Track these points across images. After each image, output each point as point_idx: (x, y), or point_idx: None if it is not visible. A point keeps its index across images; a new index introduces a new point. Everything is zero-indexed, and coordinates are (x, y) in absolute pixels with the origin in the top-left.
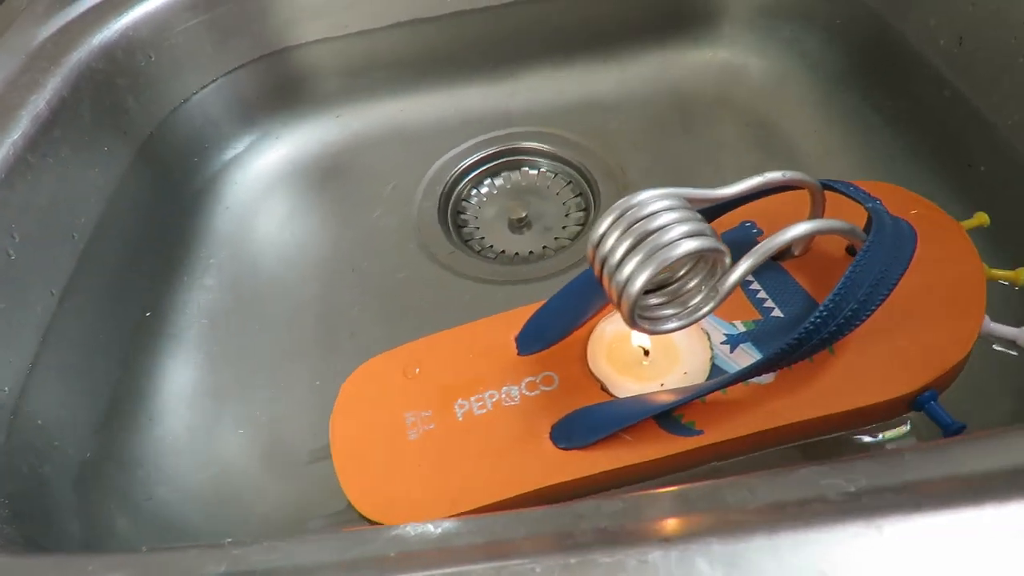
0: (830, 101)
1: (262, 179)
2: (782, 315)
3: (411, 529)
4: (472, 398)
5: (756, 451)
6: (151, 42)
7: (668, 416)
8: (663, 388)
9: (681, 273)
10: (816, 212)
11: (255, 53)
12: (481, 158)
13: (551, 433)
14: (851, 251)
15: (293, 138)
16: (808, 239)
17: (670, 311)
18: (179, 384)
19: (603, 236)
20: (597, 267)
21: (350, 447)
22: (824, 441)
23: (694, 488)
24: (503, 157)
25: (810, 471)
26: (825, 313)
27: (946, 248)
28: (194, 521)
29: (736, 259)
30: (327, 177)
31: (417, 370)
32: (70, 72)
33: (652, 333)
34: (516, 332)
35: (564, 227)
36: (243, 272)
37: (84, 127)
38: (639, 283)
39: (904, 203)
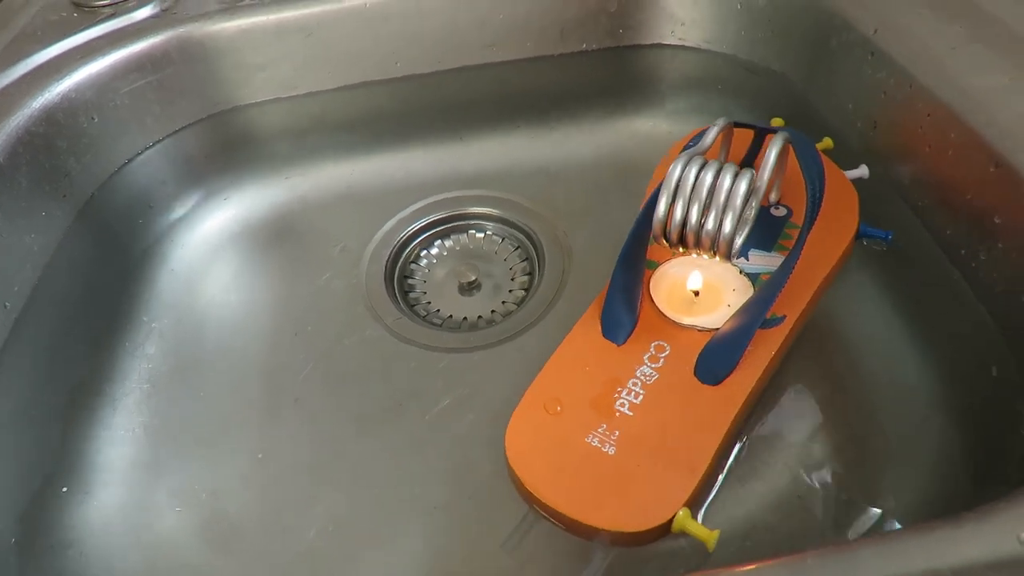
0: None
1: (209, 241)
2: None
3: None
4: (623, 394)
5: (811, 312)
6: (95, 104)
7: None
8: (731, 308)
9: None
10: (728, 143)
11: (203, 113)
12: (429, 222)
13: (700, 380)
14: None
15: (241, 199)
16: None
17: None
18: (116, 456)
19: (670, 209)
20: (675, 234)
21: (569, 496)
22: None
23: None
24: (451, 221)
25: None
26: (811, 193)
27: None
28: None
29: None
30: (275, 239)
31: (559, 408)
32: (8, 138)
33: (738, 256)
34: (599, 330)
35: (510, 291)
36: (186, 337)
37: (20, 193)
38: (729, 227)
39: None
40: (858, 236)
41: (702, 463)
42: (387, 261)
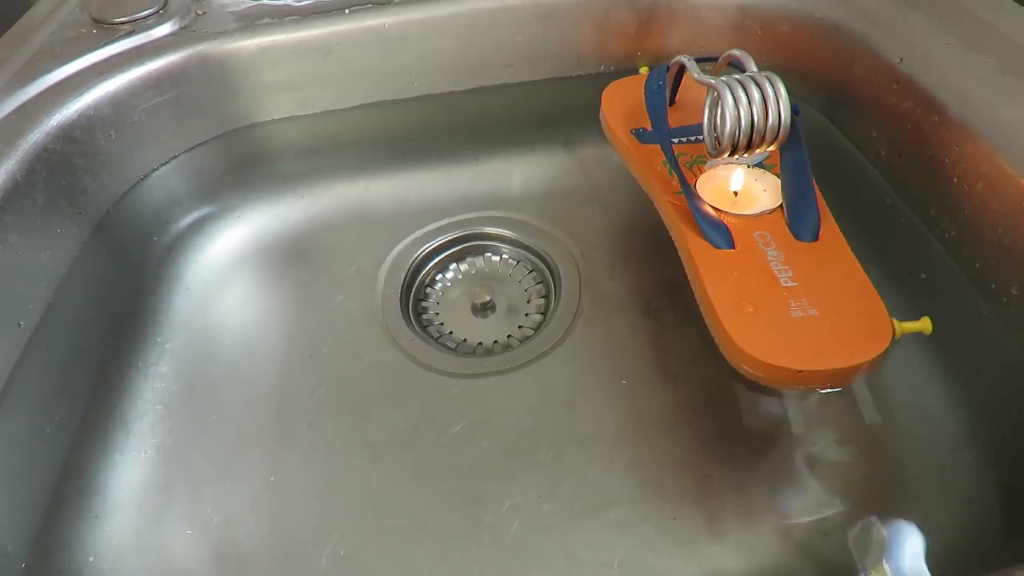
0: None
1: (223, 259)
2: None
3: None
4: (779, 276)
5: None
6: (112, 121)
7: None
8: (768, 191)
9: None
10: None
11: (219, 130)
12: (444, 243)
13: (805, 240)
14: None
15: (256, 217)
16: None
17: None
18: (128, 479)
19: (738, 117)
20: (744, 140)
21: (831, 354)
22: None
23: None
24: (466, 242)
25: None
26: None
27: None
28: None
29: None
30: (289, 258)
31: (752, 308)
32: (25, 155)
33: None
34: (711, 247)
35: (527, 314)
36: (200, 358)
37: (36, 210)
38: (786, 115)
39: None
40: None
41: (870, 287)
42: (402, 283)
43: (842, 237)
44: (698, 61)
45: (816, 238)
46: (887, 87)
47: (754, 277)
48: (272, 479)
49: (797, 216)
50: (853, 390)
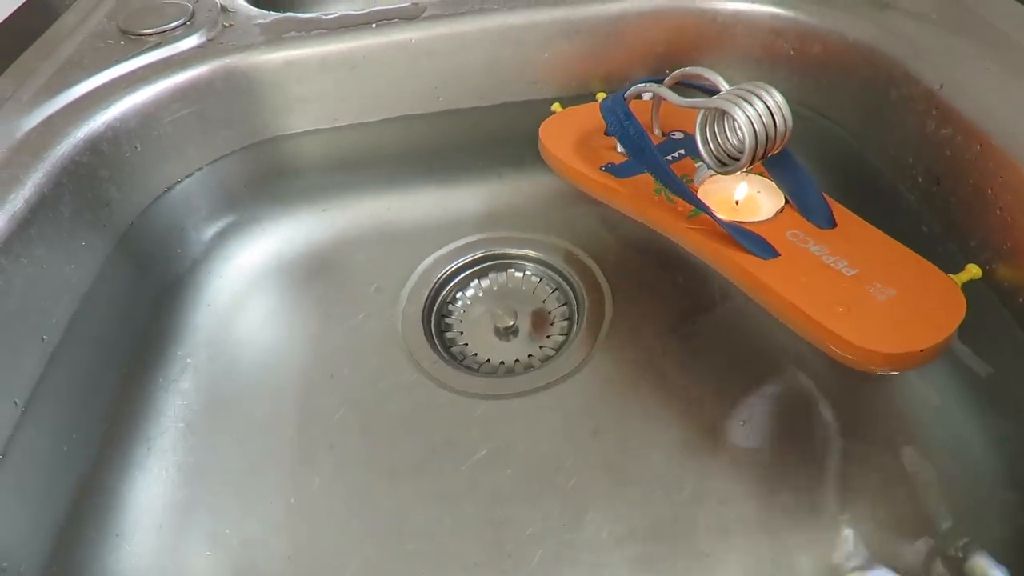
0: None
1: (245, 274)
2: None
3: None
4: (838, 268)
5: None
6: (139, 133)
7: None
8: (762, 193)
9: None
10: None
11: (244, 142)
12: (467, 261)
13: (826, 227)
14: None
15: (278, 231)
16: None
17: None
18: (149, 498)
19: (754, 132)
20: (761, 150)
21: (927, 330)
22: None
23: None
24: (488, 261)
25: None
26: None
27: None
28: None
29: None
30: (311, 274)
31: (841, 309)
32: (52, 167)
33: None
34: (749, 254)
35: (548, 335)
36: (221, 374)
37: (62, 223)
38: (790, 119)
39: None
40: None
41: (913, 253)
42: (424, 301)
43: (854, 215)
44: (644, 83)
45: (835, 223)
46: (925, 113)
47: (819, 276)
48: (293, 501)
49: (809, 207)
50: (891, 424)
